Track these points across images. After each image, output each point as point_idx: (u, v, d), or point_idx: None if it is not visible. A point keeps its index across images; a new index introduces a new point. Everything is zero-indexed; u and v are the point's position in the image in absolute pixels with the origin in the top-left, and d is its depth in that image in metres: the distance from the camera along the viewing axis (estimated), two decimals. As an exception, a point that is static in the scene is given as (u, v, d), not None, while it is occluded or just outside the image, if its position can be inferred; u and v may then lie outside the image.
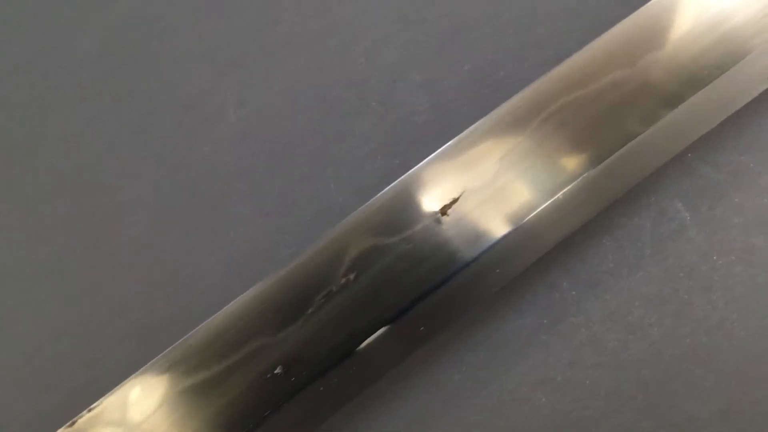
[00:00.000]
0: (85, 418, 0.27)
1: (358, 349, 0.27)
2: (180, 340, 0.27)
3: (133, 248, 0.36)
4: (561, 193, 0.27)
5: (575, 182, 0.28)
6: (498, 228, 0.27)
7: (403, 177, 0.27)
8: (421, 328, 0.28)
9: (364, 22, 0.38)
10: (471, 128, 0.28)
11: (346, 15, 0.38)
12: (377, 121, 0.37)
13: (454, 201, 0.27)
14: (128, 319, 0.35)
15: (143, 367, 0.28)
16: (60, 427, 0.28)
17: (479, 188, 0.27)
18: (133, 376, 0.28)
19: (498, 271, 0.28)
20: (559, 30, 0.37)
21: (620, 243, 0.34)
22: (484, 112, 0.32)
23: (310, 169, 0.37)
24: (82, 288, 0.36)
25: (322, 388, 0.26)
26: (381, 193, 0.27)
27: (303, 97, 0.37)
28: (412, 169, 0.27)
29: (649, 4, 0.30)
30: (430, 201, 0.27)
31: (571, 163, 0.28)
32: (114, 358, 0.35)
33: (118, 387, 0.27)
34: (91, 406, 0.27)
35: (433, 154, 0.28)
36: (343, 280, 0.26)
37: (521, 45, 0.37)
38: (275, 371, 0.26)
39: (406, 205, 0.27)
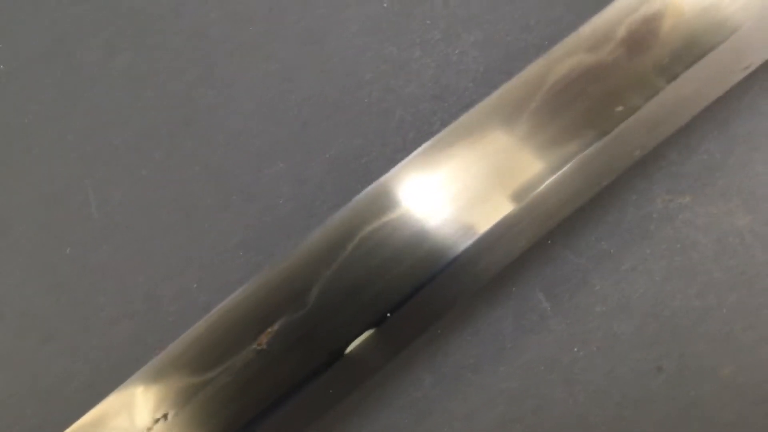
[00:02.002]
0: None
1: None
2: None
3: (-3, 356, 0.36)
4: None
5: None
6: (318, 354, 0.26)
7: (216, 308, 0.27)
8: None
9: (224, 110, 0.37)
10: (294, 247, 0.28)
11: (207, 103, 0.37)
12: (239, 214, 0.36)
13: (272, 331, 0.26)
14: (-4, 428, 0.35)
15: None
16: None
17: (298, 316, 0.26)
18: None
19: (330, 391, 0.28)
20: (420, 113, 0.36)
21: (482, 336, 0.33)
22: (346, 200, 0.31)
23: (173, 266, 0.36)
24: (-57, 401, 0.35)
25: None
26: (193, 326, 0.26)
27: (166, 191, 0.37)
28: (225, 300, 0.27)
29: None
30: (247, 331, 0.26)
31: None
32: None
33: None
34: None
35: (247, 282, 0.27)
36: (158, 416, 0.25)
37: (383, 129, 0.36)
38: None
39: (221, 338, 0.26)
